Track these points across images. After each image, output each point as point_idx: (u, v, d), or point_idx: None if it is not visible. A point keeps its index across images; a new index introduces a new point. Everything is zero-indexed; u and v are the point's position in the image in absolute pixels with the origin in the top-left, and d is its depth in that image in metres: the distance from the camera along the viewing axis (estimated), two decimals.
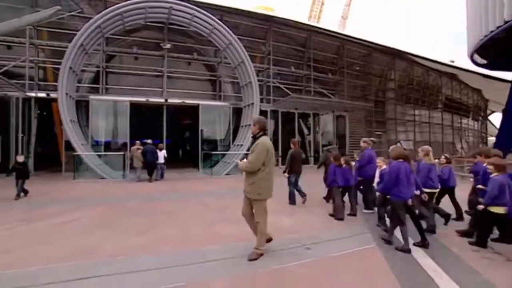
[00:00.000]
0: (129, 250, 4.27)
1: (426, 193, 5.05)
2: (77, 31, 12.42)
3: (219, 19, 14.88)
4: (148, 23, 15.21)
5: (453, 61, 26.29)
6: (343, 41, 20.92)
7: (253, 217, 3.98)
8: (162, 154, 12.08)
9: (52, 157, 14.95)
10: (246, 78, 15.14)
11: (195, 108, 15.78)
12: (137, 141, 12.00)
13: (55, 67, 13.59)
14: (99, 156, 13.08)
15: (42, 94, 13.85)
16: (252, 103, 14.85)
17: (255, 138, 3.99)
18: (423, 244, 4.37)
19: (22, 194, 8.25)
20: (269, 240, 4.24)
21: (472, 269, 3.78)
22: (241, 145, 14.12)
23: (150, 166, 11.66)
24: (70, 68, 12.22)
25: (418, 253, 4.22)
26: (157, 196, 8.60)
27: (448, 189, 5.92)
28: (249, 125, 14.72)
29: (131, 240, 4.72)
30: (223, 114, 16.77)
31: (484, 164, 4.81)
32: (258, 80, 15.68)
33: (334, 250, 4.34)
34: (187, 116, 20.07)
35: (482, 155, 5.37)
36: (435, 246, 4.52)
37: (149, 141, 12.10)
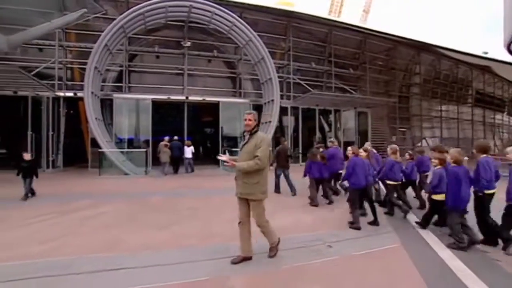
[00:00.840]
0: (152, 244, 4.34)
1: (390, 184, 6.04)
2: (102, 32, 12.84)
3: (238, 16, 14.86)
4: (169, 22, 15.41)
5: (486, 53, 24.44)
6: (365, 36, 20.30)
7: (249, 223, 3.66)
8: (190, 150, 13.20)
9: (79, 153, 15.55)
10: (266, 74, 15.03)
11: (216, 105, 15.86)
12: (165, 138, 12.91)
13: (82, 67, 14.08)
14: (123, 153, 13.45)
15: (69, 94, 14.42)
16: (272, 100, 14.73)
17: (250, 133, 3.60)
18: (374, 222, 5.31)
19: (29, 194, 7.64)
20: (249, 258, 3.69)
21: (504, 271, 3.55)
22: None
23: (175, 160, 12.87)
24: (96, 68, 12.62)
25: (445, 254, 4.01)
26: (179, 192, 8.72)
27: (410, 182, 6.72)
28: (270, 121, 14.64)
29: (155, 235, 4.79)
30: (243, 111, 16.65)
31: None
32: (278, 77, 15.55)
33: (357, 249, 4.22)
34: (207, 113, 20.19)
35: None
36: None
37: (176, 138, 13.27)
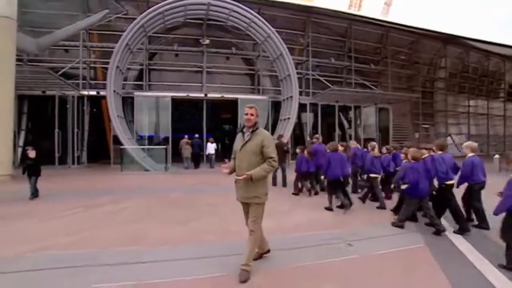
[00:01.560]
0: (172, 239, 4.39)
1: (371, 177, 6.75)
2: (123, 31, 13.14)
3: (256, 12, 14.78)
4: (188, 20, 15.58)
5: None
6: (387, 29, 19.66)
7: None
8: (212, 146, 13.90)
9: (102, 150, 16.08)
10: (285, 71, 14.89)
11: (234, 102, 15.89)
12: (186, 136, 13.56)
13: (104, 67, 14.52)
14: (143, 149, 13.77)
15: (93, 92, 14.92)
16: (291, 96, 14.58)
17: (252, 130, 3.17)
18: (342, 205, 6.06)
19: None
20: (266, 252, 3.62)
21: None
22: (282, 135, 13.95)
23: (196, 156, 13.64)
24: (117, 67, 12.96)
25: (473, 256, 3.80)
26: (198, 188, 8.81)
27: (388, 174, 7.12)
28: (288, 118, 14.50)
29: (175, 230, 4.85)
30: (262, 108, 16.63)
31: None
32: (297, 73, 15.40)
33: (378, 248, 4.07)
34: (226, 110, 20.32)
35: None
36: (492, 250, 3.98)
37: (196, 135, 13.95)
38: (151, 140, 15.71)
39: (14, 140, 11.53)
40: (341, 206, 6.10)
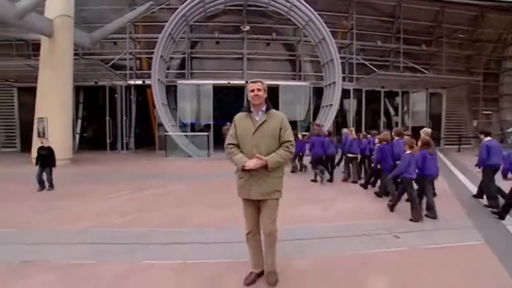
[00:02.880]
0: (215, 222, 4.51)
1: (350, 157, 7.80)
2: (166, 22, 13.44)
3: None
4: (228, 7, 15.48)
5: None
6: (442, 5, 17.66)
7: (259, 231, 2.76)
8: None
9: (148, 137, 16.90)
10: (328, 55, 14.26)
11: (275, 89, 15.62)
12: (227, 123, 13.16)
13: (149, 57, 15.07)
14: (186, 136, 14.20)
15: (139, 82, 15.62)
16: (334, 82, 13.97)
17: (266, 110, 2.67)
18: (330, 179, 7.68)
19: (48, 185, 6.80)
20: (261, 274, 2.84)
21: None
22: (322, 126, 13.50)
23: None
24: (161, 56, 13.37)
25: None
26: None
27: (365, 156, 7.88)
28: (331, 105, 13.95)
29: (217, 214, 4.95)
30: (303, 94, 16.28)
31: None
32: (340, 57, 14.65)
33: (429, 242, 3.76)
34: (267, 97, 20.11)
35: None
36: None
37: None
38: (193, 127, 16.15)
39: (72, 127, 12.53)
40: (330, 180, 7.68)
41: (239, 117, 2.73)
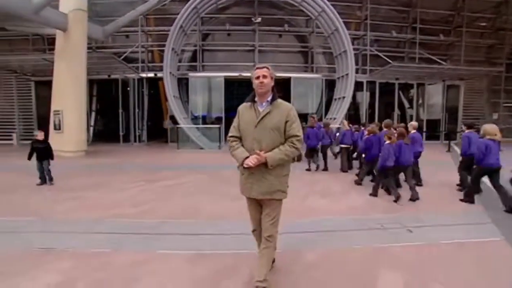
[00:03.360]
0: (227, 214, 4.50)
1: (343, 147, 8.27)
2: (177, 14, 13.43)
3: None
4: None
5: None
6: None
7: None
8: None
9: (160, 129, 17.09)
10: (341, 47, 13.99)
11: (287, 81, 15.47)
12: None
13: (160, 50, 15.13)
14: (198, 128, 14.29)
15: (151, 74, 15.75)
16: (347, 74, 13.72)
17: (271, 100, 2.36)
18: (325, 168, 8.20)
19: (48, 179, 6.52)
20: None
21: None
22: (334, 118, 13.32)
23: None
24: (173, 49, 13.40)
25: None
26: None
27: (356, 146, 8.02)
28: (343, 97, 13.72)
29: (229, 205, 4.94)
30: (315, 87, 16.09)
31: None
32: (354, 49, 14.35)
33: (444, 237, 3.63)
34: (278, 90, 19.94)
35: None
36: None
37: None
38: (204, 119, 16.22)
39: (86, 120, 12.77)
40: (325, 169, 8.19)
41: (243, 108, 2.47)
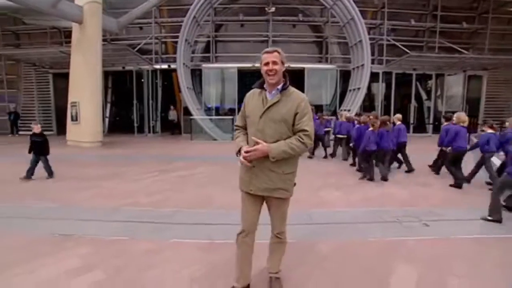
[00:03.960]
0: (239, 205, 4.43)
1: (339, 137, 8.76)
2: (190, 5, 13.35)
3: None
4: None
5: None
6: None
7: (254, 233, 2.30)
8: None
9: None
10: (356, 37, 13.60)
11: (301, 72, 15.24)
12: None
13: (174, 41, 15.15)
14: (211, 120, 14.34)
15: (164, 66, 15.80)
16: (362, 65, 13.37)
17: (282, 88, 2.10)
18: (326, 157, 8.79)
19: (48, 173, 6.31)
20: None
21: None
22: (349, 110, 13.07)
23: None
24: (186, 40, 13.39)
25: None
26: None
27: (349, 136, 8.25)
28: (358, 88, 13.42)
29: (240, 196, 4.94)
30: (330, 77, 15.80)
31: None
32: (370, 39, 13.87)
33: (462, 232, 3.53)
34: (292, 80, 19.62)
35: None
36: None
37: None
38: (218, 110, 16.26)
39: (102, 111, 13.01)
40: (325, 157, 8.74)
41: (251, 95, 2.23)
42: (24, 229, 3.56)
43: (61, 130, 13.79)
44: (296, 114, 2.02)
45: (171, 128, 16.08)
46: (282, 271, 2.40)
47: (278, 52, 2.05)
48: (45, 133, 6.71)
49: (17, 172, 6.10)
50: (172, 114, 16.03)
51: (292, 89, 2.13)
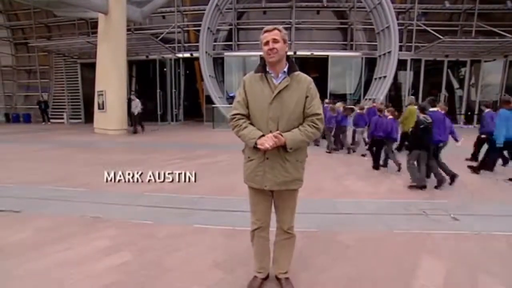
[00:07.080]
0: None
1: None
2: None
3: None
4: None
5: None
6: None
7: (269, 226, 2.20)
8: None
9: (195, 109, 17.50)
10: (383, 22, 13.02)
11: (325, 59, 14.86)
12: None
13: (196, 29, 15.19)
14: None
15: (187, 54, 15.98)
16: (389, 52, 12.84)
17: (289, 71, 1.92)
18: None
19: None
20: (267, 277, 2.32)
21: None
22: (374, 99, 12.64)
23: None
24: (208, 28, 13.40)
25: None
26: None
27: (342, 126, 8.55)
28: (384, 77, 12.92)
29: None
30: (354, 66, 15.34)
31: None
32: (398, 24, 13.24)
33: (494, 228, 3.31)
34: (316, 69, 19.34)
35: None
36: None
37: None
38: None
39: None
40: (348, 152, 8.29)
41: (251, 79, 1.97)
42: (58, 210, 3.78)
43: (89, 118, 14.40)
44: (306, 97, 1.91)
45: (132, 124, 12.18)
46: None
47: (279, 30, 1.87)
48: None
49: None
50: (134, 105, 11.96)
51: (299, 73, 1.97)
